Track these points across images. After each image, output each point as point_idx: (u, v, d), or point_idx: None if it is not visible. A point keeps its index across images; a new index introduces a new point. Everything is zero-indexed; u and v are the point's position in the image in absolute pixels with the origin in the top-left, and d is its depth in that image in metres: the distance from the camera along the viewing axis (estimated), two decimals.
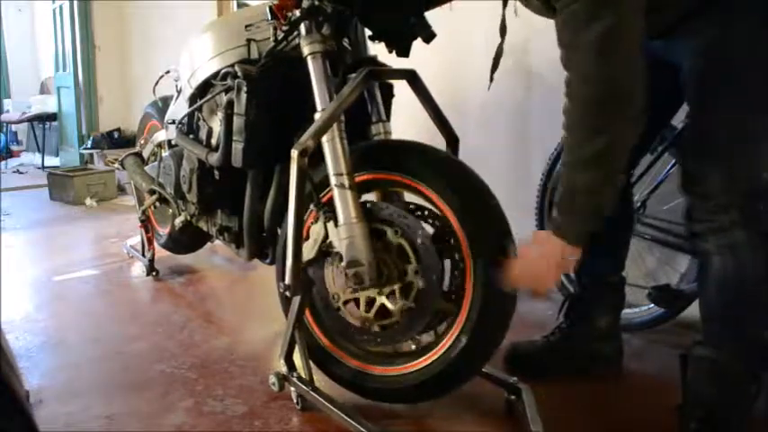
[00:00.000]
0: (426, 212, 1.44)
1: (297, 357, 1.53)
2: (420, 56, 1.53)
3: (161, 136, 2.49)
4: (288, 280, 1.43)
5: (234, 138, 1.64)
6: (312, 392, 1.45)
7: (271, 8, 1.45)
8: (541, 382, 1.63)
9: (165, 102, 2.65)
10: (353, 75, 1.44)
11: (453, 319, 1.37)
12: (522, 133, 2.47)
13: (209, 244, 2.75)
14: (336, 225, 1.39)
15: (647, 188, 1.92)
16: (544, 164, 2.22)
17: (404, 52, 1.44)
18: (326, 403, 1.41)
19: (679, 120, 1.82)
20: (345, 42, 1.57)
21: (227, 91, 1.69)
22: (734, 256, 1.25)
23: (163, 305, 2.29)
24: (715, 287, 1.28)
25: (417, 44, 1.49)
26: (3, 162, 6.42)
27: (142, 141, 2.81)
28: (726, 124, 1.26)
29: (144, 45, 5.23)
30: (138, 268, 2.71)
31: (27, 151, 7.04)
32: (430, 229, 1.42)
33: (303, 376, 1.49)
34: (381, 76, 1.51)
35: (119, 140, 5.27)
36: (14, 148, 7.24)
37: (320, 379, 1.53)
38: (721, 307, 1.29)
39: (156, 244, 2.66)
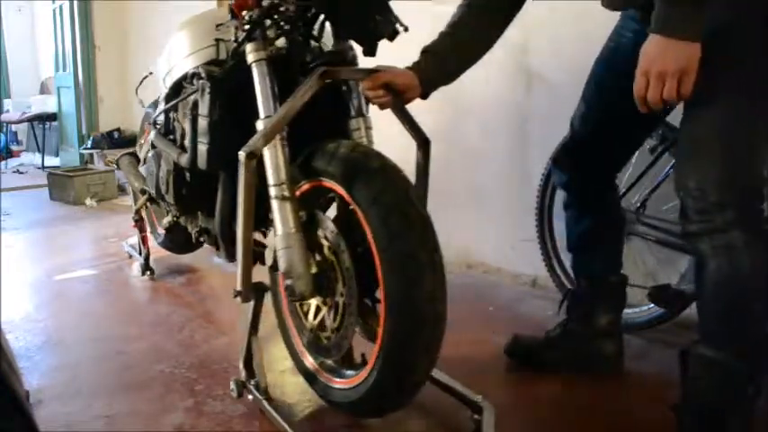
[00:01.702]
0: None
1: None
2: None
3: (153, 136, 2.49)
4: (238, 286, 1.41)
5: (199, 139, 1.61)
6: (264, 401, 1.46)
7: (231, 7, 1.41)
8: (541, 381, 1.64)
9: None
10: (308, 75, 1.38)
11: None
12: (522, 133, 2.47)
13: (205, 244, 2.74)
14: (275, 234, 1.37)
15: (647, 188, 1.92)
16: (544, 164, 2.22)
17: (370, 51, 1.38)
18: (274, 414, 1.42)
19: (679, 119, 1.82)
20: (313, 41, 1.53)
21: (194, 92, 1.66)
22: (729, 258, 1.23)
23: (163, 305, 2.29)
24: (711, 289, 1.27)
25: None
26: (3, 162, 6.42)
27: (141, 141, 2.81)
28: (724, 120, 1.22)
29: (144, 45, 5.23)
30: (138, 268, 2.71)
31: (27, 151, 7.04)
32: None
33: (261, 384, 1.49)
34: (336, 76, 1.42)
35: (119, 140, 5.26)
36: (14, 148, 7.24)
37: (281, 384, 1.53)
38: (718, 308, 1.27)
39: (155, 243, 2.66)
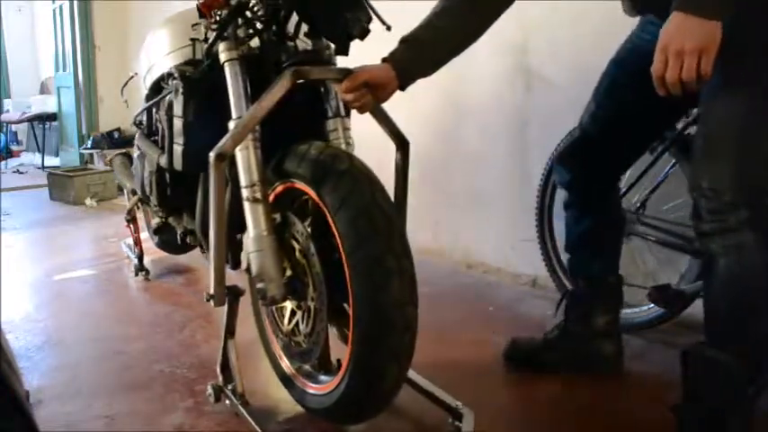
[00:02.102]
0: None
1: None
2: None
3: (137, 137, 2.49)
4: (211, 289, 1.39)
5: (174, 140, 1.59)
6: (240, 407, 1.44)
7: (198, 7, 1.38)
8: (541, 381, 1.64)
9: None
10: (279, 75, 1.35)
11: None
12: (522, 133, 2.47)
13: None
14: (247, 237, 1.34)
15: (647, 188, 1.92)
16: (544, 164, 2.22)
17: (342, 50, 1.34)
18: (249, 419, 1.40)
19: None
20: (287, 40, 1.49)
21: (169, 93, 1.65)
22: (740, 258, 1.23)
23: (162, 305, 2.29)
24: (719, 288, 1.26)
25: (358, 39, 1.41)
26: (3, 162, 6.42)
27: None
28: (740, 119, 1.21)
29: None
30: (129, 269, 2.69)
31: (27, 151, 7.04)
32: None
33: (237, 389, 1.47)
34: (307, 76, 1.36)
35: (119, 140, 5.26)
36: (14, 148, 7.24)
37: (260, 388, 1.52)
38: (725, 308, 1.27)
39: (152, 244, 2.66)
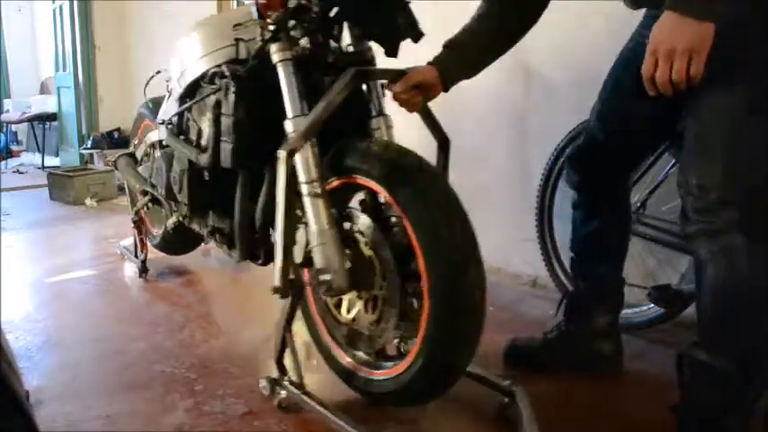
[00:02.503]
0: (394, 222, 1.41)
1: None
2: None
3: (154, 136, 2.45)
4: (276, 282, 1.42)
5: (222, 138, 1.62)
6: (303, 396, 1.46)
7: (257, 7, 1.43)
8: (541, 381, 1.64)
9: (157, 102, 2.63)
10: (340, 75, 1.41)
11: (417, 334, 1.33)
12: (522, 133, 2.47)
13: (201, 245, 2.73)
14: (310, 231, 1.40)
15: (647, 188, 1.92)
16: (544, 164, 2.22)
17: (392, 52, 1.42)
18: (317, 407, 1.42)
19: None
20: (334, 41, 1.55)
21: (216, 91, 1.68)
22: (727, 263, 1.20)
23: (162, 305, 2.29)
24: (709, 293, 1.25)
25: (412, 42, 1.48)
26: (3, 162, 6.42)
27: (136, 141, 2.78)
28: (732, 115, 1.19)
29: (144, 45, 5.23)
30: (131, 269, 2.70)
31: (27, 151, 7.04)
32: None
33: (294, 379, 1.50)
34: (369, 77, 1.49)
35: (119, 140, 5.26)
36: (14, 148, 7.24)
37: (311, 382, 1.53)
38: (715, 313, 1.26)
39: (149, 245, 2.65)
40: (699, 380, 1.27)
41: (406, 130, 1.63)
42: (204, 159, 1.74)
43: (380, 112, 1.54)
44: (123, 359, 1.81)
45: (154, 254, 2.70)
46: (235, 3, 4.43)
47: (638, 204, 1.93)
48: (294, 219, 1.43)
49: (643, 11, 1.44)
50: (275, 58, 1.45)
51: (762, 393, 1.26)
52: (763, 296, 1.22)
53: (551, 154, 2.19)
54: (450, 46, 1.52)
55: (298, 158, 1.38)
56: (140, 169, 2.57)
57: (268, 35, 1.44)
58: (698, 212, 1.22)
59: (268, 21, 1.42)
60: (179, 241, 2.57)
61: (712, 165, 1.20)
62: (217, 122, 1.65)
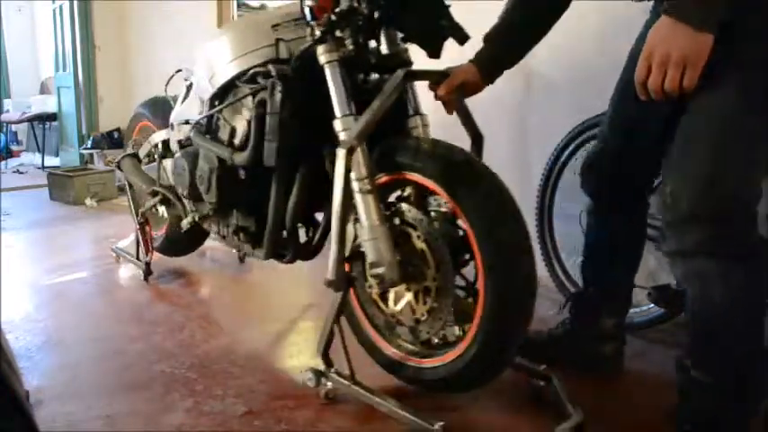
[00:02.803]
0: (444, 213, 1.48)
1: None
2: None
3: (158, 136, 2.43)
4: (330, 275, 1.47)
5: (267, 137, 1.65)
6: (354, 386, 1.50)
7: (311, 9, 1.47)
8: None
9: (156, 102, 2.60)
10: (392, 76, 1.48)
11: (472, 319, 1.39)
12: (522, 133, 2.47)
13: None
14: (361, 227, 1.46)
15: None
16: (544, 164, 2.22)
17: (435, 53, 1.48)
18: (369, 395, 1.47)
19: None
20: (373, 43, 1.60)
21: (257, 91, 1.69)
22: (701, 286, 1.16)
23: (162, 305, 2.29)
24: (689, 315, 1.24)
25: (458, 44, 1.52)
26: (3, 162, 6.41)
27: (132, 142, 2.75)
28: (720, 118, 1.12)
29: (144, 45, 5.23)
30: (129, 271, 2.68)
31: (27, 151, 7.04)
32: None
33: (341, 371, 1.54)
34: (417, 77, 1.56)
35: (119, 140, 5.26)
36: (14, 148, 7.23)
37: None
38: (696, 335, 1.25)
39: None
40: (691, 386, 1.27)
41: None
42: (242, 158, 1.75)
43: (417, 111, 1.60)
44: (123, 359, 1.81)
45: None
46: (234, 3, 4.43)
47: None
48: (348, 214, 1.48)
49: (648, 5, 1.40)
50: (323, 59, 1.49)
51: (762, 408, 1.25)
52: (739, 317, 1.18)
53: (551, 154, 2.19)
54: (488, 40, 1.56)
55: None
56: (146, 169, 2.55)
57: (318, 36, 1.48)
58: (669, 227, 1.18)
59: (320, 22, 1.46)
60: (183, 243, 2.57)
61: (694, 166, 1.14)
62: (260, 121, 1.67)
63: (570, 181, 2.19)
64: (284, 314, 2.23)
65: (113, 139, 5.32)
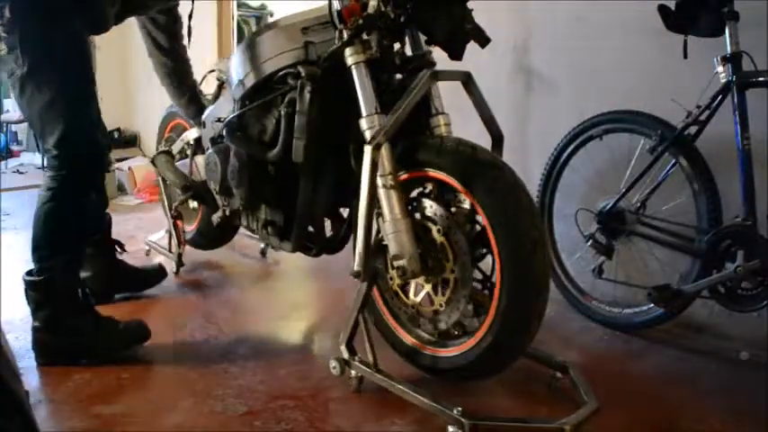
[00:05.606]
0: (463, 207, 1.53)
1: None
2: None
3: (192, 134, 2.57)
4: (357, 267, 1.52)
5: (295, 135, 1.71)
6: (377, 374, 1.54)
7: (339, 12, 1.53)
8: (540, 381, 1.64)
9: None
10: (417, 76, 1.52)
11: (488, 310, 1.44)
12: (522, 133, 2.47)
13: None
14: (384, 221, 1.52)
15: (647, 188, 1.92)
16: (544, 164, 2.22)
17: (458, 56, 1.52)
18: (392, 382, 1.51)
19: (678, 119, 1.83)
20: (397, 44, 1.65)
21: (288, 91, 1.76)
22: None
23: (162, 306, 2.29)
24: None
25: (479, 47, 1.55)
26: (3, 162, 6.41)
27: (165, 139, 2.87)
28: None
29: (144, 45, 5.23)
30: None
31: (27, 151, 7.02)
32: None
33: (365, 360, 1.58)
34: (442, 78, 1.60)
35: (119, 140, 5.27)
36: (14, 148, 7.23)
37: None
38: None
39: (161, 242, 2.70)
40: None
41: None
42: (273, 154, 1.82)
43: (439, 111, 1.64)
44: (123, 359, 1.81)
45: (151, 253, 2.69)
46: (234, 4, 4.43)
47: (638, 204, 1.93)
48: (374, 209, 1.52)
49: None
50: (350, 60, 1.55)
51: None
52: None
53: (551, 154, 2.19)
54: None
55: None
56: (178, 165, 2.63)
57: (346, 38, 1.52)
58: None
59: (349, 25, 1.50)
60: (215, 236, 2.68)
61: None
62: (289, 120, 1.74)
63: (570, 181, 2.19)
64: (286, 313, 2.23)
65: (113, 140, 5.32)
